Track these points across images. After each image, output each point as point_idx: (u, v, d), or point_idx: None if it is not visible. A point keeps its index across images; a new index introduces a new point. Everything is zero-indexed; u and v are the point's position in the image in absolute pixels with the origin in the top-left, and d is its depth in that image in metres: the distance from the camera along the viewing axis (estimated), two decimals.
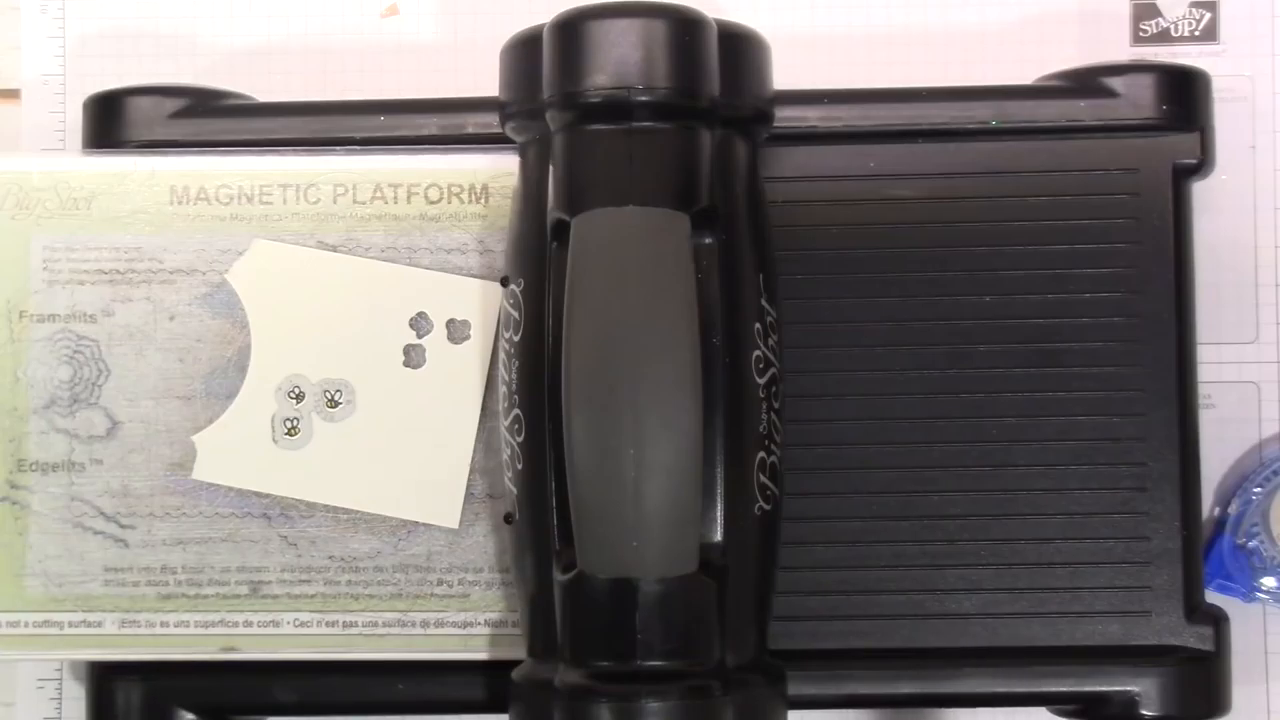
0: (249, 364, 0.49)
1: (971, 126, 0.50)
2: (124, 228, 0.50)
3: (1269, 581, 0.53)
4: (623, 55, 0.46)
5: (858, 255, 0.50)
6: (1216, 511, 0.54)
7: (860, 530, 0.49)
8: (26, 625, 0.50)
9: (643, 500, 0.44)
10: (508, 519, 0.48)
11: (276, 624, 0.50)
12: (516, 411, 0.47)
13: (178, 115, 0.51)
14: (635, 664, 0.45)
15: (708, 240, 0.46)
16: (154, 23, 0.56)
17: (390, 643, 0.49)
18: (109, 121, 0.51)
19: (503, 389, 0.48)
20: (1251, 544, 0.53)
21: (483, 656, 0.49)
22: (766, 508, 0.46)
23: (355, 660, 0.50)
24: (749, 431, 0.46)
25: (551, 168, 0.47)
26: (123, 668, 0.50)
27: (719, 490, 0.46)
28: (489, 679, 0.50)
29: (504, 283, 0.48)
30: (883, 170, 0.50)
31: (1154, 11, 0.55)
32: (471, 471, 0.49)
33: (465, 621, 0.49)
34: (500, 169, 0.50)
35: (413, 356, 0.50)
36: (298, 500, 0.49)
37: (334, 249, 0.50)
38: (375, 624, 0.49)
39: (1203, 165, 0.50)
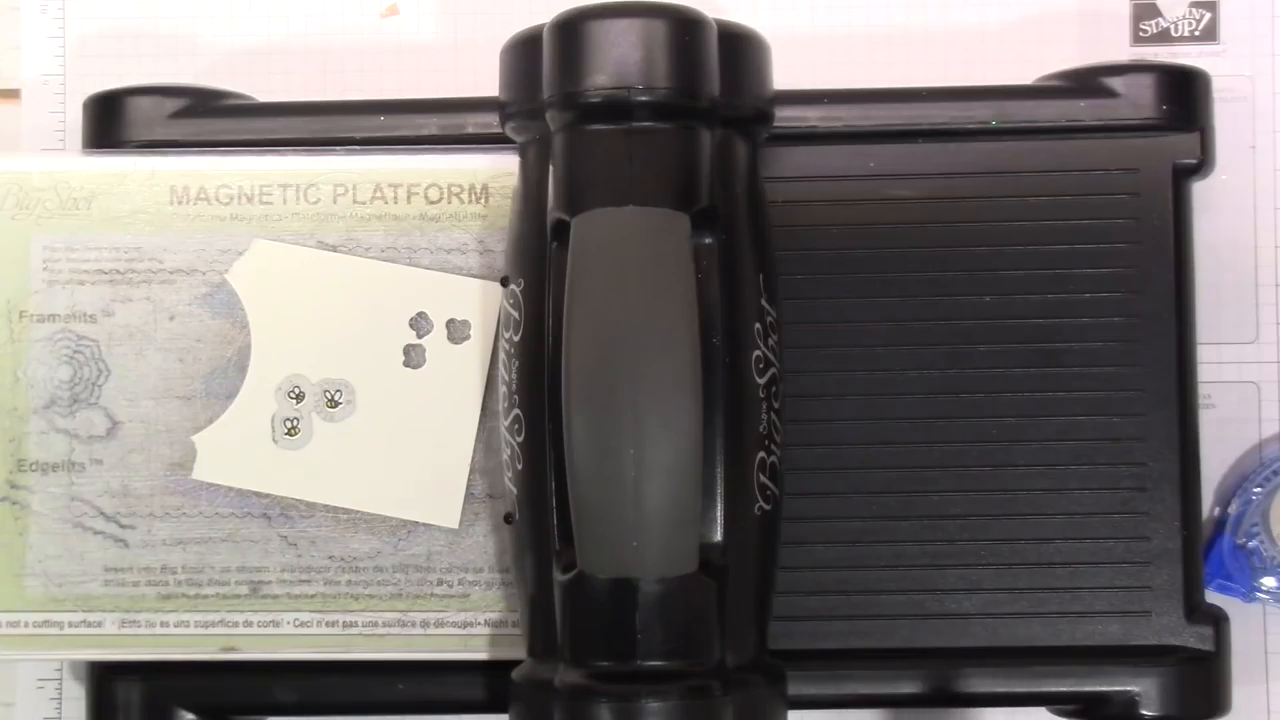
0: (249, 364, 0.49)
1: (971, 126, 0.50)
2: (124, 228, 0.50)
3: (1269, 581, 0.53)
4: (623, 55, 0.46)
5: (858, 255, 0.50)
6: (1216, 511, 0.54)
7: (860, 530, 0.49)
8: (26, 625, 0.50)
9: (643, 500, 0.44)
10: (508, 519, 0.48)
11: (276, 624, 0.50)
12: (516, 411, 0.47)
13: (178, 115, 0.51)
14: (635, 664, 0.45)
15: (708, 240, 0.46)
16: (154, 23, 0.56)
17: (390, 643, 0.49)
18: (109, 121, 0.51)
19: (503, 389, 0.48)
20: (1251, 544, 0.53)
21: (483, 656, 0.49)
22: (766, 508, 0.46)
23: (355, 660, 0.50)
24: (749, 431, 0.46)
25: (551, 168, 0.47)
26: (123, 668, 0.50)
27: (719, 490, 0.46)
28: (489, 679, 0.50)
29: (504, 283, 0.48)
30: (883, 170, 0.50)
31: (1154, 11, 0.55)
32: (471, 471, 0.49)
33: (465, 621, 0.49)
34: (500, 169, 0.50)
35: (413, 356, 0.50)
36: (298, 500, 0.49)
37: (334, 249, 0.50)
38: (375, 624, 0.49)
39: (1203, 165, 0.50)
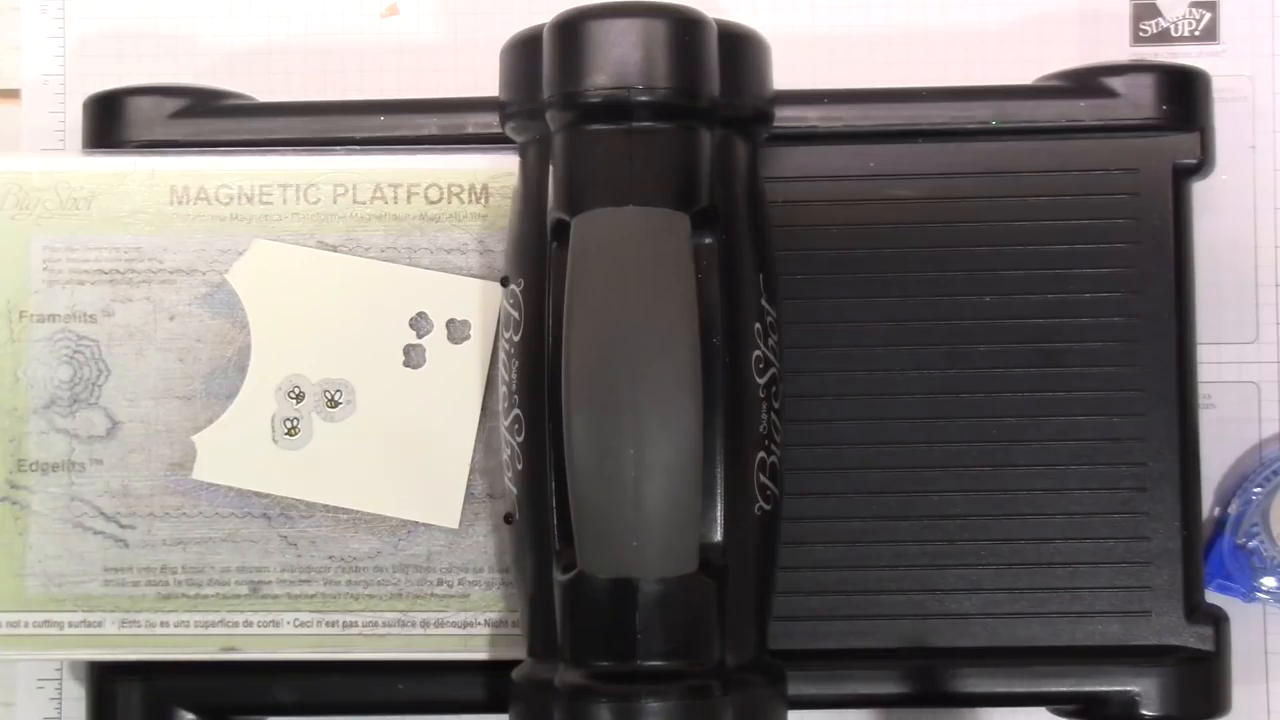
0: (249, 364, 0.49)
1: (971, 126, 0.50)
2: (124, 228, 0.50)
3: (1269, 581, 0.53)
4: (623, 55, 0.46)
5: (858, 255, 0.50)
6: (1216, 511, 0.54)
7: (860, 530, 0.49)
8: (26, 625, 0.50)
9: (643, 500, 0.44)
10: (508, 519, 0.48)
11: (276, 624, 0.50)
12: (516, 411, 0.47)
13: (178, 115, 0.51)
14: (635, 664, 0.45)
15: (708, 240, 0.46)
16: (154, 23, 0.56)
17: (390, 643, 0.49)
18: (109, 121, 0.51)
19: (503, 389, 0.48)
20: (1251, 544, 0.53)
21: (483, 656, 0.49)
22: (766, 508, 0.46)
23: (355, 660, 0.50)
24: (749, 431, 0.46)
25: (551, 168, 0.47)
26: (123, 668, 0.50)
27: (719, 490, 0.46)
28: (489, 679, 0.50)
29: (504, 283, 0.48)
30: (883, 170, 0.50)
31: (1154, 11, 0.55)
32: (471, 471, 0.49)
33: (465, 621, 0.49)
34: (500, 169, 0.50)
35: (413, 356, 0.50)
36: (298, 500, 0.49)
37: (334, 249, 0.50)
38: (375, 624, 0.49)
39: (1203, 165, 0.50)
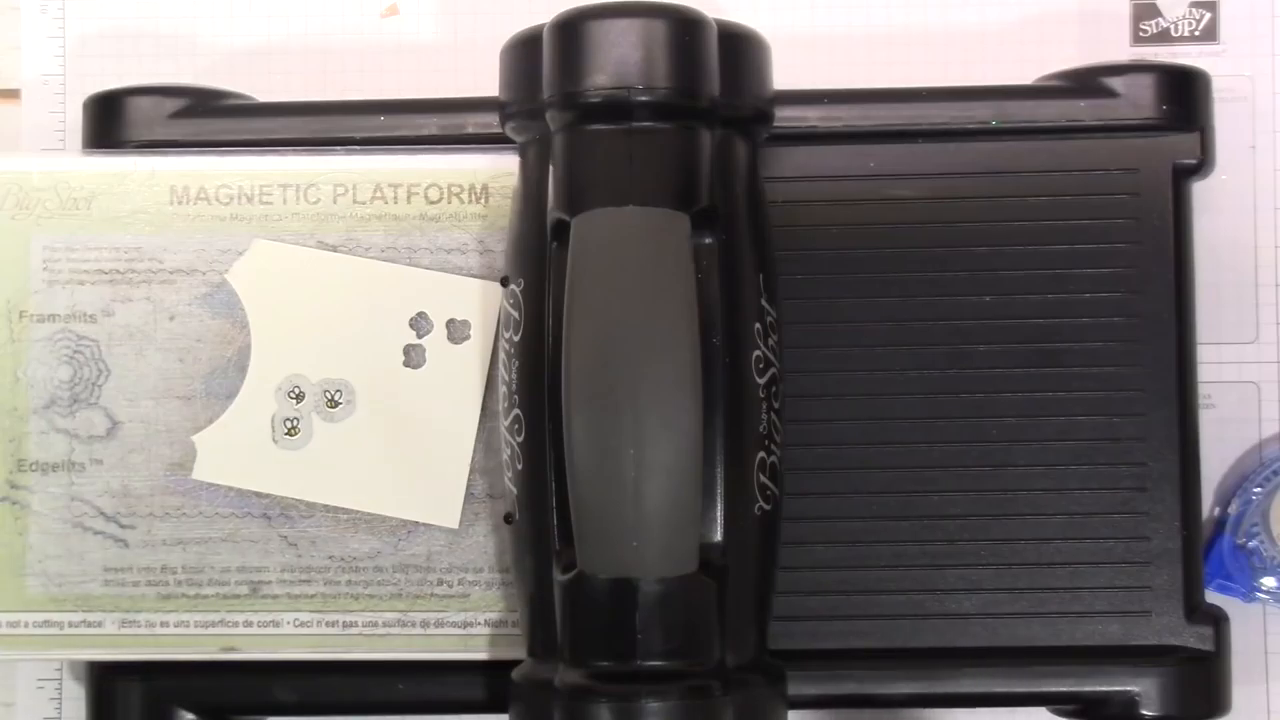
0: (249, 364, 0.49)
1: (971, 126, 0.50)
2: (124, 228, 0.50)
3: (1269, 581, 0.53)
4: (623, 55, 0.46)
5: (858, 255, 0.50)
6: (1216, 511, 0.54)
7: (860, 530, 0.49)
8: (26, 625, 0.50)
9: (643, 500, 0.44)
10: (508, 519, 0.48)
11: (276, 624, 0.50)
12: (516, 411, 0.47)
13: (178, 115, 0.51)
14: (635, 664, 0.45)
15: (708, 240, 0.46)
16: (154, 23, 0.56)
17: (390, 643, 0.49)
18: (109, 121, 0.51)
19: (503, 389, 0.48)
20: (1251, 544, 0.53)
21: (483, 656, 0.49)
22: (766, 508, 0.46)
23: (355, 660, 0.50)
24: (749, 431, 0.46)
25: (551, 168, 0.47)
26: (123, 668, 0.50)
27: (719, 490, 0.46)
28: (489, 679, 0.50)
29: (504, 283, 0.48)
30: (883, 170, 0.50)
31: (1154, 11, 0.55)
32: (471, 471, 0.49)
33: (465, 621, 0.49)
34: (500, 169, 0.50)
35: (413, 356, 0.50)
36: (298, 500, 0.49)
37: (334, 249, 0.50)
38: (375, 624, 0.49)
39: (1203, 165, 0.50)
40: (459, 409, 0.49)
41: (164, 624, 0.50)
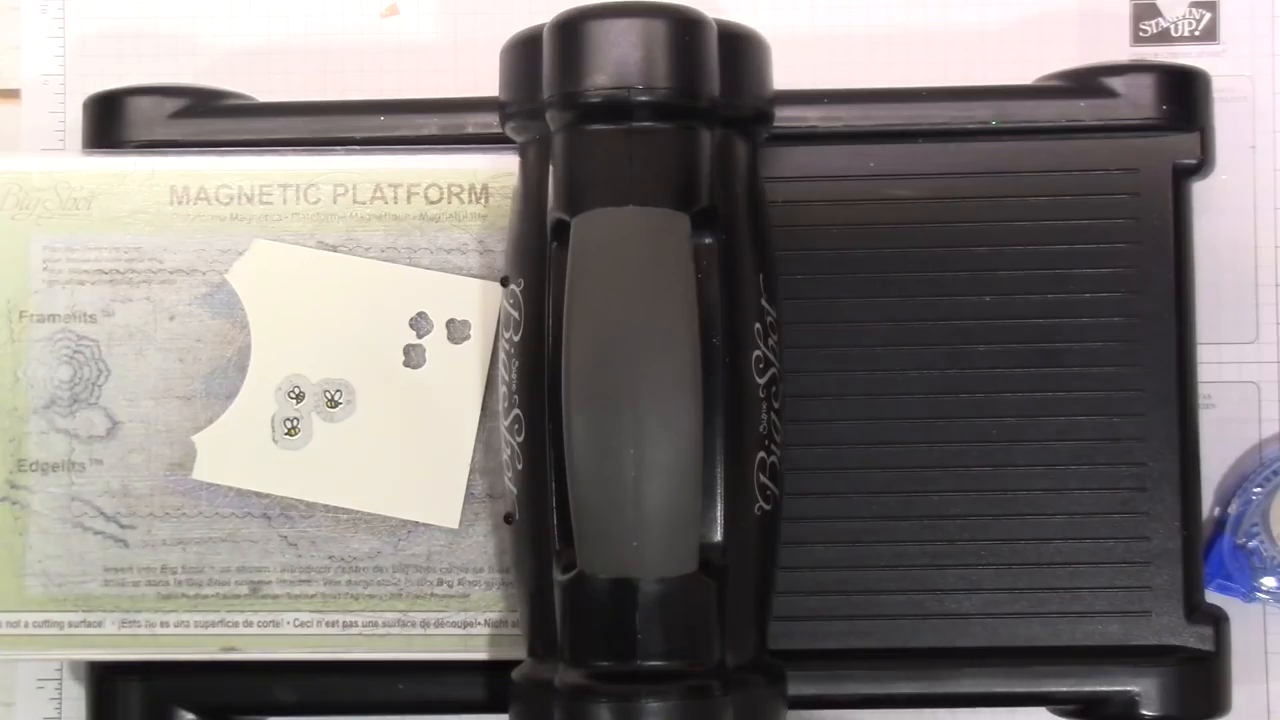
0: (249, 364, 0.49)
1: (971, 126, 0.50)
2: (124, 228, 0.50)
3: (1269, 581, 0.53)
4: (623, 55, 0.46)
5: (858, 255, 0.50)
6: (1216, 511, 0.54)
7: (860, 530, 0.49)
8: (26, 625, 0.50)
9: (643, 500, 0.44)
10: (508, 519, 0.48)
11: (276, 624, 0.50)
12: (516, 411, 0.47)
13: (178, 115, 0.51)
14: (635, 664, 0.45)
15: (708, 240, 0.46)
16: (154, 23, 0.56)
17: (390, 643, 0.49)
18: (109, 121, 0.51)
19: (503, 389, 0.48)
20: (1251, 544, 0.53)
21: (483, 656, 0.49)
22: (766, 508, 0.46)
23: (355, 660, 0.50)
24: (749, 431, 0.46)
25: (551, 168, 0.47)
26: (123, 668, 0.50)
27: (719, 490, 0.46)
28: (489, 679, 0.50)
29: (504, 283, 0.48)
30: (883, 170, 0.50)
31: (1154, 11, 0.55)
32: (471, 471, 0.49)
33: (465, 621, 0.49)
34: (500, 169, 0.50)
35: (413, 356, 0.50)
36: (298, 500, 0.49)
37: (334, 249, 0.50)
38: (375, 624, 0.49)
39: (1203, 165, 0.50)
40: (459, 409, 0.49)
41: (164, 624, 0.50)
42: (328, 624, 0.49)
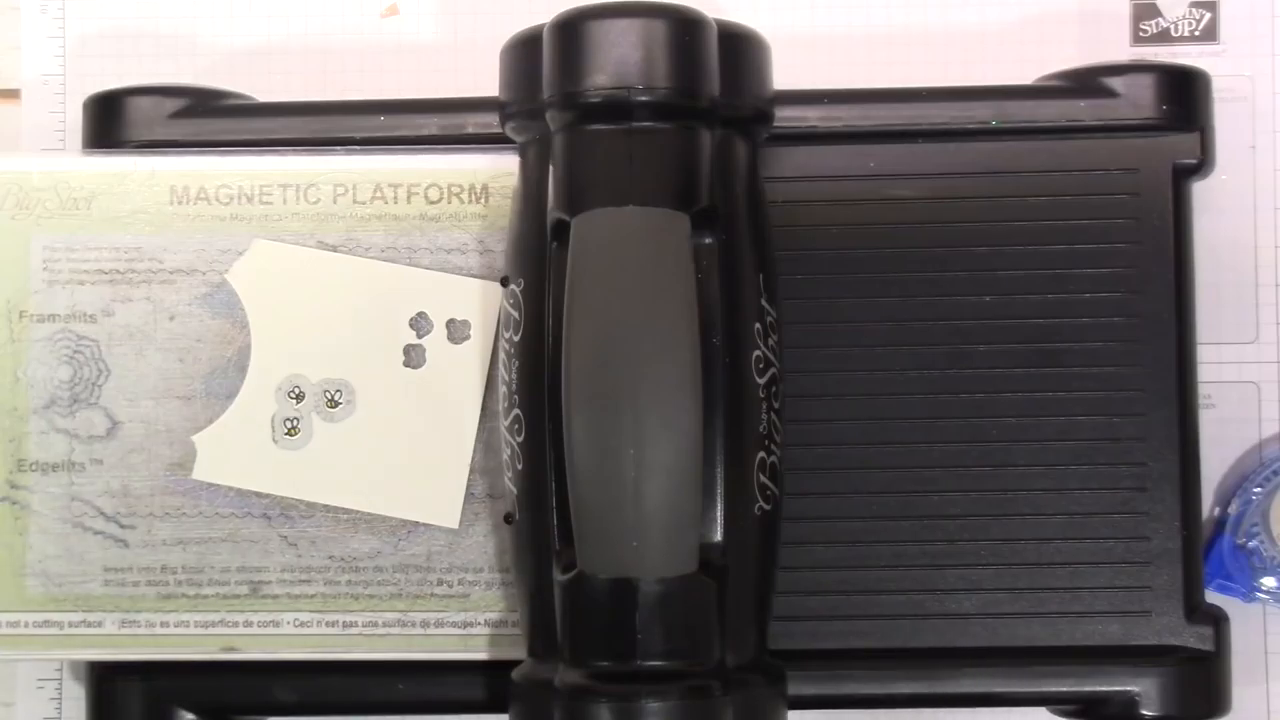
0: (249, 364, 0.49)
1: (971, 126, 0.50)
2: (124, 228, 0.50)
3: (1269, 581, 0.53)
4: (623, 55, 0.46)
5: (858, 255, 0.50)
6: (1216, 511, 0.54)
7: (860, 530, 0.49)
8: (26, 625, 0.50)
9: (643, 500, 0.44)
10: (508, 519, 0.48)
11: (276, 624, 0.50)
12: (516, 411, 0.47)
13: (178, 115, 0.51)
14: (635, 664, 0.45)
15: (708, 240, 0.46)
16: (154, 23, 0.56)
17: (390, 643, 0.49)
18: (109, 121, 0.51)
19: (503, 389, 0.48)
20: (1251, 544, 0.53)
21: (483, 656, 0.49)
22: (766, 508, 0.46)
23: (355, 660, 0.50)
24: (749, 431, 0.46)
25: (551, 168, 0.47)
26: (123, 668, 0.50)
27: (719, 490, 0.46)
28: (489, 679, 0.50)
29: (504, 283, 0.48)
30: (883, 170, 0.50)
31: (1154, 11, 0.55)
32: (471, 471, 0.49)
33: (465, 621, 0.49)
34: (500, 169, 0.50)
35: (413, 356, 0.50)
36: (298, 500, 0.49)
37: (334, 249, 0.50)
38: (375, 624, 0.49)
39: (1203, 165, 0.50)
40: (459, 409, 0.49)
41: (164, 624, 0.50)
42: (328, 624, 0.49)
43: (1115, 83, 0.50)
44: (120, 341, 0.50)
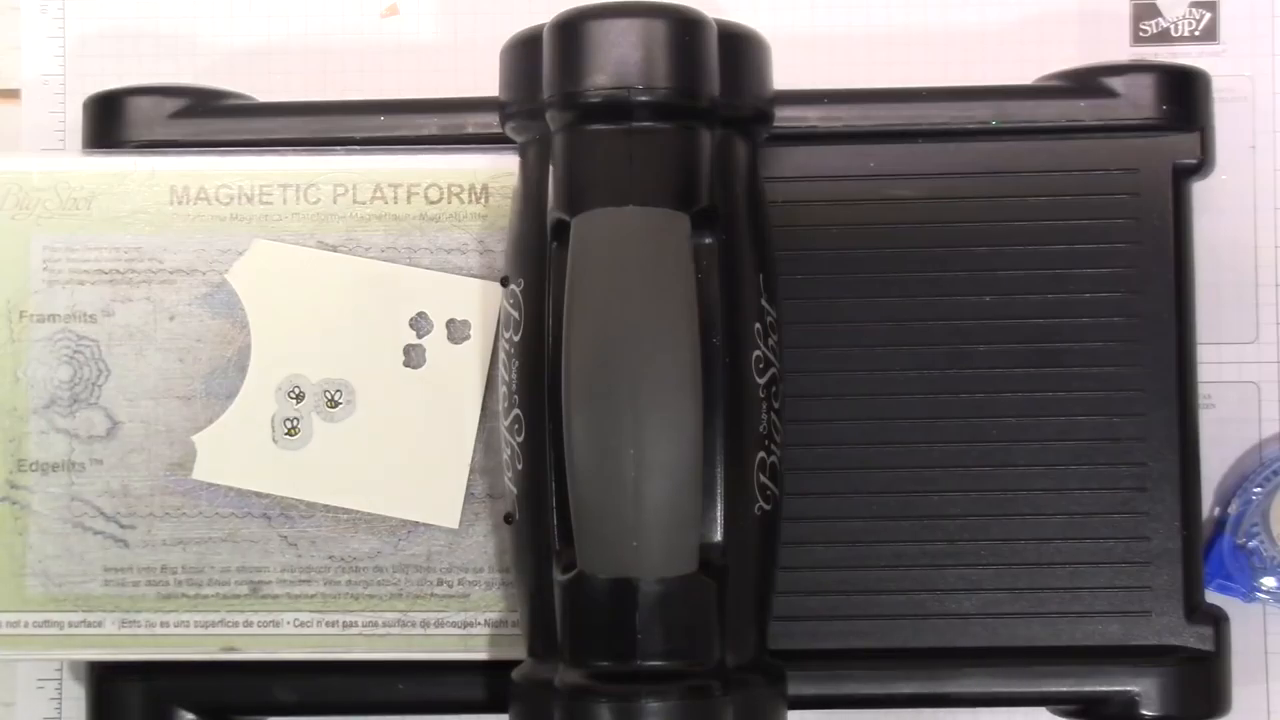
0: (249, 364, 0.49)
1: (971, 126, 0.50)
2: (124, 228, 0.50)
3: (1269, 581, 0.53)
4: (623, 55, 0.46)
5: (858, 255, 0.50)
6: (1216, 511, 0.54)
7: (860, 530, 0.49)
8: (26, 625, 0.50)
9: (643, 500, 0.44)
10: (508, 519, 0.48)
11: (276, 624, 0.50)
12: (516, 411, 0.47)
13: (178, 115, 0.51)
14: (635, 664, 0.45)
15: (708, 240, 0.46)
16: (154, 23, 0.56)
17: (390, 643, 0.49)
18: (109, 121, 0.51)
19: (503, 389, 0.48)
20: (1251, 544, 0.53)
21: (483, 656, 0.49)
22: (766, 508, 0.46)
23: (355, 660, 0.50)
24: (749, 431, 0.46)
25: (551, 168, 0.47)
26: (123, 668, 0.50)
27: (719, 490, 0.46)
28: (489, 679, 0.50)
29: (504, 283, 0.48)
30: (883, 170, 0.50)
31: (1154, 11, 0.55)
32: (471, 471, 0.49)
33: (465, 621, 0.49)
34: (500, 169, 0.50)
35: (413, 356, 0.50)
36: (298, 500, 0.49)
37: (334, 249, 0.50)
38: (375, 624, 0.49)
39: (1203, 165, 0.50)
40: (459, 409, 0.49)
41: (164, 624, 0.50)
42: (328, 624, 0.49)
43: (1115, 83, 0.50)
44: (120, 341, 0.50)
